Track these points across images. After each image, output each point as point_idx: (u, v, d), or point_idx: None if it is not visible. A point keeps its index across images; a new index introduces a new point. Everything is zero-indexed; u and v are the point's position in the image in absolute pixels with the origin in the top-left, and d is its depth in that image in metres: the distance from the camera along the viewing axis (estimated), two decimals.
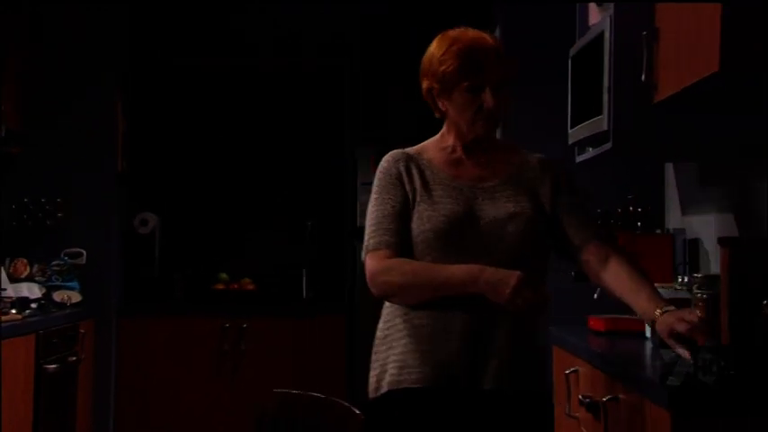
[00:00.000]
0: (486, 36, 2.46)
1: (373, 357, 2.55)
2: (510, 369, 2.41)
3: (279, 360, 5.66)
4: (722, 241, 2.73)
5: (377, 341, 2.55)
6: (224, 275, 5.96)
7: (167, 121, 6.12)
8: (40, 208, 5.59)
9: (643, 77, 2.53)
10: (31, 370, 4.47)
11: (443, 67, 2.43)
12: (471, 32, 2.47)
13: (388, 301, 2.53)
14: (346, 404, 2.27)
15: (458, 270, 2.37)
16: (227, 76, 6.15)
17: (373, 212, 2.51)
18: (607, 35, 2.80)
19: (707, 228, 3.36)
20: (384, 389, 2.47)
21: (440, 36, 2.50)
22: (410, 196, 2.48)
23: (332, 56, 6.14)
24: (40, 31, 5.49)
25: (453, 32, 2.48)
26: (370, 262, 2.47)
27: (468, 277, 2.34)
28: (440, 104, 2.50)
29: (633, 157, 3.29)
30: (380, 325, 2.56)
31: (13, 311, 4.63)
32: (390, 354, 2.49)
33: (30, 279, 5.35)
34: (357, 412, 2.21)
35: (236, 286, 5.93)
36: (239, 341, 5.65)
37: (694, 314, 2.25)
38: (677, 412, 2.08)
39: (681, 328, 2.20)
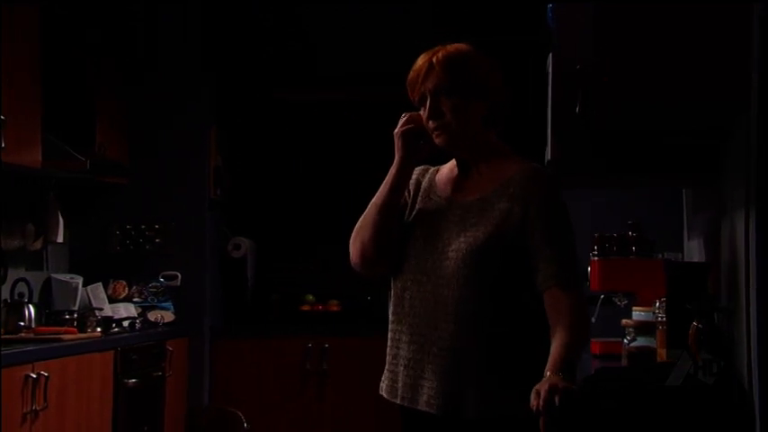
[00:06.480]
0: (442, 49, 2.44)
1: None
2: (444, 394, 2.39)
3: (360, 379, 5.86)
4: (665, 266, 2.79)
5: None
6: (310, 297, 6.23)
7: (260, 151, 6.43)
8: (140, 234, 6.03)
9: (577, 109, 2.61)
10: (109, 383, 4.86)
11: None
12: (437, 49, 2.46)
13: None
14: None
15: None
16: (313, 108, 6.41)
17: None
18: (549, 68, 2.89)
19: (696, 253, 3.36)
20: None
21: None
22: (408, 203, 2.55)
23: None
24: (135, 67, 5.91)
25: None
26: None
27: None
28: None
29: (575, 185, 3.35)
30: None
31: (99, 329, 5.05)
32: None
33: (128, 300, 5.80)
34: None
35: (320, 307, 6.19)
36: (321, 361, 5.91)
37: (544, 386, 2.23)
38: None
39: (532, 396, 2.24)
